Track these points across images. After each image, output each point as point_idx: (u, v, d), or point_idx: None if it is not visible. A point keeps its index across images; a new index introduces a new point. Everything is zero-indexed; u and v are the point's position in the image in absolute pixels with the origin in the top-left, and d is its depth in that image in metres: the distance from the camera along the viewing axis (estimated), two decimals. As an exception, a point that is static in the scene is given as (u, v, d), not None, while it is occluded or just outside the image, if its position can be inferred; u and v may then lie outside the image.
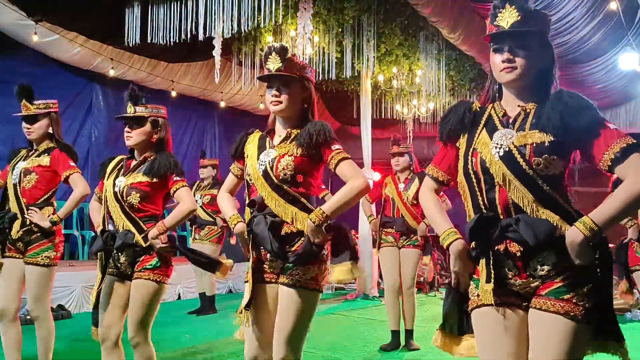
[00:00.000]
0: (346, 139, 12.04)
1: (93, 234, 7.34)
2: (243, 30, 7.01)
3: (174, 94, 9.74)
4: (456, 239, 1.86)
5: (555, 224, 1.72)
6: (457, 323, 1.94)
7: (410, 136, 10.89)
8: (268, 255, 2.34)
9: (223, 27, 6.89)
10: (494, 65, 1.84)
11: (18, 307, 3.43)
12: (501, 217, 1.79)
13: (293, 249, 2.31)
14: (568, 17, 7.66)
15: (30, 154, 3.48)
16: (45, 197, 3.44)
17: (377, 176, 8.34)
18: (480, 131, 1.87)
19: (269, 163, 2.35)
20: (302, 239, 2.30)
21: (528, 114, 1.82)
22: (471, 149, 1.87)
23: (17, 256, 3.40)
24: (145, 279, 2.80)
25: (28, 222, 3.35)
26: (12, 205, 3.42)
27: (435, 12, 7.12)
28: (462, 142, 1.93)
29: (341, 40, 8.20)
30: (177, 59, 9.01)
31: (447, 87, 9.71)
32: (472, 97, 9.84)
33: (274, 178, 2.33)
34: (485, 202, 1.82)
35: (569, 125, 1.72)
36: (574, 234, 1.65)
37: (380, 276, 7.11)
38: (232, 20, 6.75)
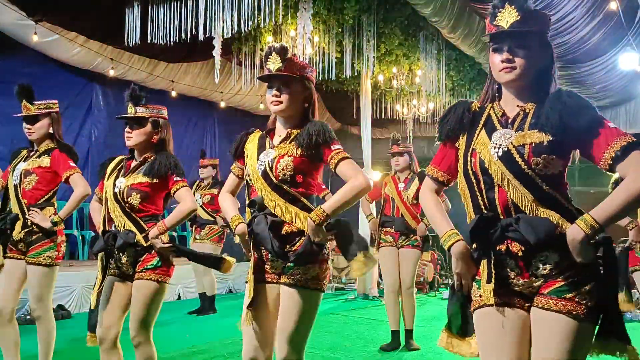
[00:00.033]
0: (346, 139, 12.05)
1: (93, 234, 7.34)
2: (243, 30, 7.02)
3: (174, 94, 9.74)
4: (457, 241, 1.85)
5: (556, 223, 1.71)
6: (461, 325, 1.93)
7: (410, 136, 10.89)
8: (269, 255, 2.33)
9: (223, 27, 6.90)
10: (493, 65, 1.84)
11: (15, 307, 3.43)
12: (501, 217, 1.78)
13: (294, 248, 2.31)
14: (568, 17, 7.67)
15: (31, 154, 3.48)
16: (46, 197, 3.44)
17: (377, 176, 8.35)
18: (479, 131, 1.87)
19: (269, 163, 2.35)
20: (303, 238, 2.29)
21: (527, 114, 1.82)
22: (470, 150, 1.87)
23: (19, 257, 3.40)
24: (147, 279, 2.80)
25: (30, 223, 3.36)
26: (14, 207, 3.43)
27: (435, 12, 7.13)
28: (462, 142, 1.92)
29: (341, 40, 8.20)
30: (177, 59, 9.02)
31: (447, 87, 9.72)
32: (472, 97, 9.85)
33: (273, 178, 2.33)
34: (485, 202, 1.82)
35: (568, 125, 1.72)
36: (574, 231, 1.65)
37: (380, 276, 7.11)
38: (232, 20, 6.76)
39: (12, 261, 3.40)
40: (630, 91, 10.12)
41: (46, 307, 3.40)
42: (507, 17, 1.78)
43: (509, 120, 1.84)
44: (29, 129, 3.43)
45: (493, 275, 1.76)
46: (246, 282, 2.40)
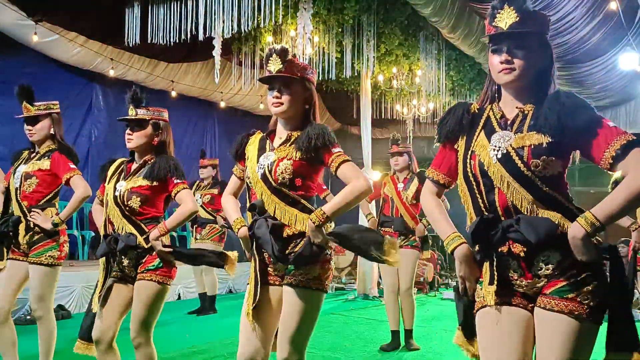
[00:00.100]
0: (346, 139, 12.07)
1: (93, 234, 7.34)
2: (243, 30, 7.02)
3: (174, 94, 9.74)
4: (461, 244, 1.85)
5: (557, 222, 1.71)
6: (468, 327, 1.93)
7: (410, 136, 10.90)
8: (271, 258, 2.34)
9: (223, 27, 6.90)
10: (492, 66, 1.84)
11: (10, 309, 3.43)
12: (502, 219, 1.78)
13: (295, 250, 2.31)
14: (568, 17, 7.67)
15: (32, 156, 3.48)
16: (47, 198, 3.44)
17: (377, 176, 8.35)
18: (479, 133, 1.87)
19: (268, 166, 2.34)
20: (304, 239, 2.29)
21: (526, 115, 1.82)
22: (469, 152, 1.87)
23: (21, 258, 3.40)
24: (148, 280, 2.80)
25: (32, 225, 3.36)
26: (15, 209, 3.43)
27: (435, 12, 7.13)
28: (461, 144, 1.92)
29: (341, 40, 8.20)
30: (177, 59, 9.03)
31: (447, 87, 9.72)
32: (472, 97, 9.85)
33: (272, 181, 2.32)
34: (486, 204, 1.82)
35: (566, 126, 1.71)
36: (575, 229, 1.65)
37: (380, 276, 7.11)
38: (232, 20, 6.76)
39: (14, 262, 3.41)
40: (630, 91, 10.12)
41: (48, 307, 3.40)
42: (506, 18, 1.78)
43: (508, 122, 1.84)
44: (30, 130, 3.43)
45: (495, 276, 1.76)
46: (247, 284, 2.40)
